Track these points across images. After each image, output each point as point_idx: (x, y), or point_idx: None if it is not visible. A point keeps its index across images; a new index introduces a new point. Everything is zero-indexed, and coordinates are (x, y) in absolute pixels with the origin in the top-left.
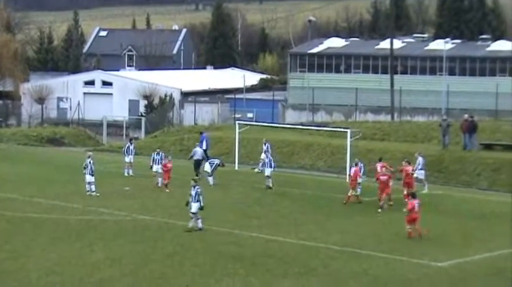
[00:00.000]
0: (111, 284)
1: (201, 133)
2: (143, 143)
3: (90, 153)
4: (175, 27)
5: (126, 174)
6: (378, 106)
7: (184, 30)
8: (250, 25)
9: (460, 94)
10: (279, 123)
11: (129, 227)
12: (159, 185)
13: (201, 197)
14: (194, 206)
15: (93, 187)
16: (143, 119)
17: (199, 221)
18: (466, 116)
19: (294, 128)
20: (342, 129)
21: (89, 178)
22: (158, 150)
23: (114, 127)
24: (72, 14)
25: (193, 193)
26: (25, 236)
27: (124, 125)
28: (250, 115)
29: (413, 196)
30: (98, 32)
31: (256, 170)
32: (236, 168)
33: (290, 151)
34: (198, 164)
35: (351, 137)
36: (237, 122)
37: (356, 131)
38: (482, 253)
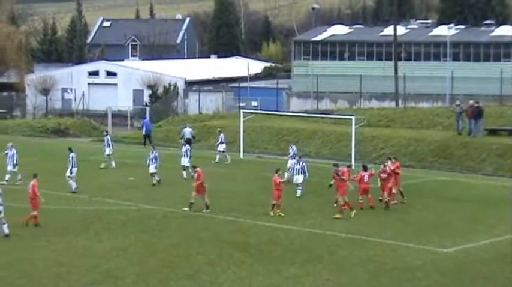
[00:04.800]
0: (117, 274)
1: (144, 118)
2: None
3: (10, 143)
4: (179, 16)
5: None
6: (383, 93)
7: (187, 19)
8: (253, 13)
9: (464, 80)
10: (284, 112)
11: (134, 217)
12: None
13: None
14: None
15: (7, 177)
16: (148, 108)
17: (5, 226)
18: (471, 102)
19: (298, 116)
20: (347, 117)
21: (10, 168)
22: None
23: (119, 117)
24: (75, 4)
25: None
26: (31, 227)
27: (129, 115)
28: (254, 104)
29: (364, 168)
30: (102, 22)
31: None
32: (241, 156)
33: (295, 138)
34: (187, 143)
35: (355, 125)
36: (241, 110)
37: (361, 118)
38: (487, 238)
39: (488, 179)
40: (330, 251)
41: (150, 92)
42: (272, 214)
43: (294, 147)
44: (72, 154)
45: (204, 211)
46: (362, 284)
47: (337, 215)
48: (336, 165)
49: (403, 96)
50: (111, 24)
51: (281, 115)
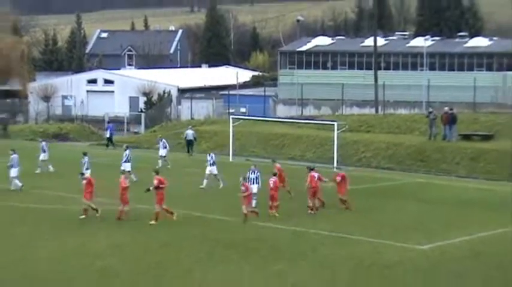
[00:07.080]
0: (112, 272)
1: (108, 122)
2: (143, 137)
3: None
4: (172, 28)
5: (38, 171)
6: (363, 100)
7: (180, 31)
8: (242, 25)
9: (440, 88)
10: (270, 117)
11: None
12: None
13: None
14: None
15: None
16: (143, 114)
17: None
18: (446, 108)
19: (284, 121)
20: (329, 122)
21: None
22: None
23: (116, 123)
24: (75, 17)
25: None
26: (28, 226)
27: (125, 121)
28: (243, 110)
29: (311, 169)
30: (100, 33)
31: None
32: (231, 159)
33: (281, 143)
34: (189, 143)
35: (337, 130)
36: (231, 116)
37: (342, 123)
38: (461, 237)
39: (462, 181)
40: (313, 249)
41: (145, 99)
42: (271, 213)
43: (212, 155)
44: (14, 155)
45: (81, 217)
46: (342, 280)
47: (152, 222)
48: (311, 168)
49: (383, 103)
50: (108, 36)
51: (268, 121)
